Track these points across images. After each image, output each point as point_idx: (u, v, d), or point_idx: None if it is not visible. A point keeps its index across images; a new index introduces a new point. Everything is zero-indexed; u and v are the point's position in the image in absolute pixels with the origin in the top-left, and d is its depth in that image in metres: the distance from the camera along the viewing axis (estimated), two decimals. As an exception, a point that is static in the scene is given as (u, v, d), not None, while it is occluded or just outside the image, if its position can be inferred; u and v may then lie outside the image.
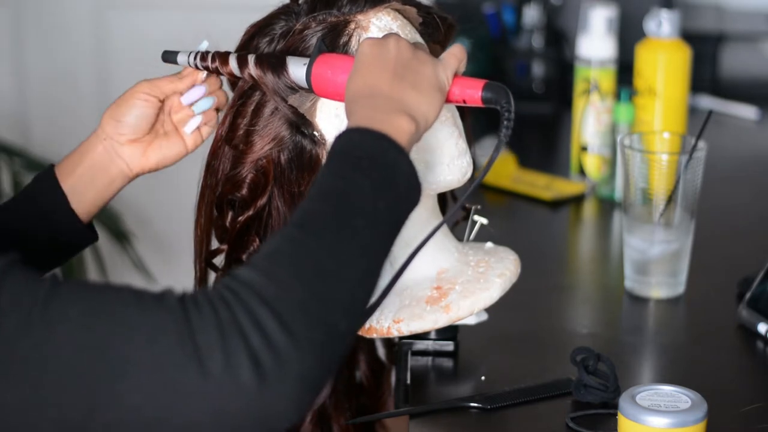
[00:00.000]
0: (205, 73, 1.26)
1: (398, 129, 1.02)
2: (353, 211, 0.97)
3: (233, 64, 1.22)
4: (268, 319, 0.89)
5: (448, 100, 1.14)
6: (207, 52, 1.24)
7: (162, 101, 1.25)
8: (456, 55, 1.14)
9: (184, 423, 0.88)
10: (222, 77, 1.27)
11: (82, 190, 1.24)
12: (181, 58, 1.26)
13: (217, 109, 1.28)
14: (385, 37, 1.12)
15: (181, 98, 1.26)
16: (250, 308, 0.89)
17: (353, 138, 1.02)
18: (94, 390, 0.87)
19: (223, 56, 1.23)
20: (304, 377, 0.89)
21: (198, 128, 1.27)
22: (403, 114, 1.04)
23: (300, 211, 0.97)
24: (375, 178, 0.99)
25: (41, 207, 1.24)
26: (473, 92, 1.13)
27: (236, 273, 0.92)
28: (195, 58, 1.25)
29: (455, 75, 1.14)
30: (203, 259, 1.28)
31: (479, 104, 1.14)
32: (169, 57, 1.27)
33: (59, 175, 1.24)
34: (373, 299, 0.99)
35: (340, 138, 1.02)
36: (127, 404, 0.87)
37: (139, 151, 1.24)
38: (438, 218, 1.30)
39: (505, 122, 1.11)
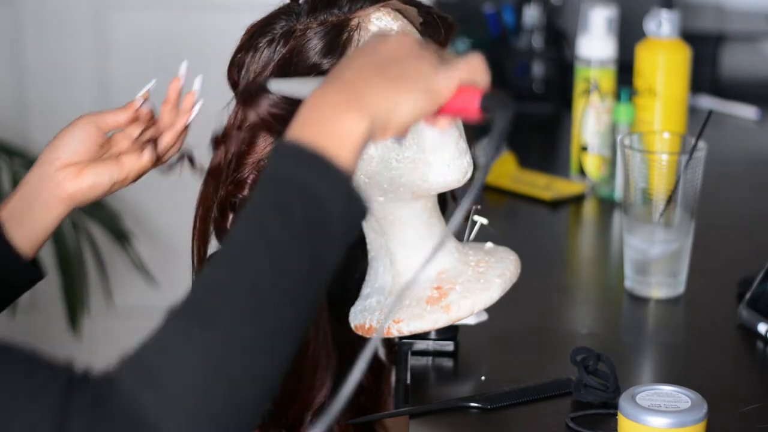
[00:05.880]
0: (143, 101, 1.23)
1: (337, 132, 0.92)
2: (265, 293, 0.88)
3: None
4: None
5: (443, 110, 0.98)
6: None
7: (104, 131, 1.22)
8: (470, 63, 0.98)
9: None
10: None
11: (18, 217, 1.19)
12: None
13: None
14: (395, 33, 1.10)
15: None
16: (130, 421, 0.84)
17: (283, 168, 0.91)
18: None
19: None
20: None
21: (154, 150, 1.23)
22: (351, 110, 0.92)
23: (202, 279, 0.89)
24: (299, 229, 0.89)
25: None
26: (471, 105, 0.98)
27: (121, 379, 0.85)
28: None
29: (465, 86, 0.98)
30: (201, 266, 1.28)
31: (477, 119, 0.98)
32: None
33: None
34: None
35: (270, 165, 0.92)
36: None
37: (73, 172, 1.19)
38: (438, 218, 1.30)
39: (497, 136, 0.96)
